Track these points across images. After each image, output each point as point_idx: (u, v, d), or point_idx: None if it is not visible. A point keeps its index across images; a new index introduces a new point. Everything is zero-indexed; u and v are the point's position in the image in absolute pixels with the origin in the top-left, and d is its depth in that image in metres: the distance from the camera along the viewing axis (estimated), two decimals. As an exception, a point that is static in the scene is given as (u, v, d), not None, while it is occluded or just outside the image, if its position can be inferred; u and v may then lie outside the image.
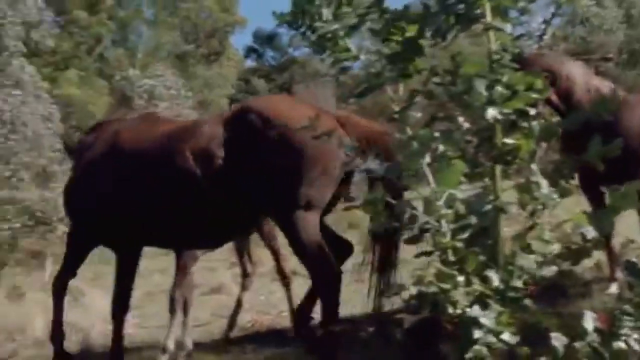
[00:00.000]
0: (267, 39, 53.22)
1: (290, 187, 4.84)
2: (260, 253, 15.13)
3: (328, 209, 5.20)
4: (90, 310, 8.62)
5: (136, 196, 5.34)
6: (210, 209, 5.06)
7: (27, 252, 18.96)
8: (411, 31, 2.79)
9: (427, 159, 2.77)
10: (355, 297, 7.78)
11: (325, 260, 4.80)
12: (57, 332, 6.00)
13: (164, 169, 5.16)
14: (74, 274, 6.15)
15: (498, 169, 2.79)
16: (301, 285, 11.63)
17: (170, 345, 6.55)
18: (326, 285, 4.89)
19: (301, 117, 4.17)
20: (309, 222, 4.85)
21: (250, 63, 54.28)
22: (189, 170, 5.02)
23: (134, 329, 8.45)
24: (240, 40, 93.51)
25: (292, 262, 14.06)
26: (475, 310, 2.62)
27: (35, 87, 22.26)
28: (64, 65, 33.05)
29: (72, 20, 33.76)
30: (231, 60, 46.58)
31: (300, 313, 5.49)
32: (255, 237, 7.75)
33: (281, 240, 6.24)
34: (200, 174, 4.98)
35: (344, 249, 5.44)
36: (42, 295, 10.72)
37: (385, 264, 5.32)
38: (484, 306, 2.64)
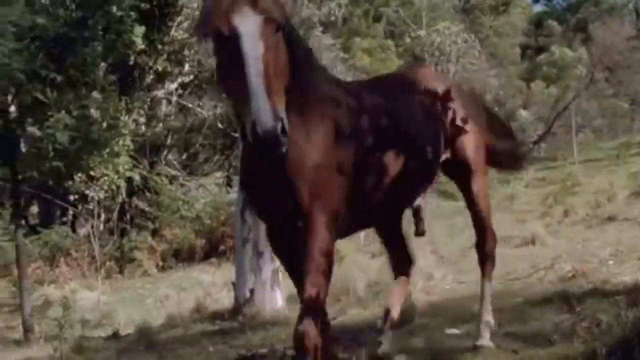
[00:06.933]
0: (555, -20, 50.95)
1: None
2: (572, 201, 14.70)
3: None
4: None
5: None
6: None
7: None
8: None
9: None
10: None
11: None
12: None
13: None
14: None
15: None
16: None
17: None
18: None
19: None
20: None
21: (538, 8, 52.43)
22: None
23: (452, 284, 8.61)
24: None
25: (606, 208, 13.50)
26: None
27: (333, 57, 23.24)
28: (355, 34, 34.18)
29: (358, -10, 34.85)
30: (518, 7, 45.21)
31: None
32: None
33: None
34: None
35: None
36: (360, 258, 11.29)
37: None
38: None
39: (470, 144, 5.24)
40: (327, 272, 4.05)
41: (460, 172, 5.36)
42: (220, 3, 3.64)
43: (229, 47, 3.60)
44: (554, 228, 12.54)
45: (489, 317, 5.37)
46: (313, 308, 3.97)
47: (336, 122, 4.27)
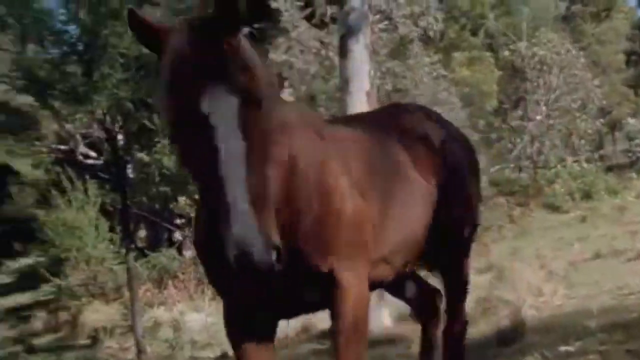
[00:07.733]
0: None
1: None
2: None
3: None
4: (517, 284, 8.69)
5: None
6: None
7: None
8: None
9: None
10: None
11: None
12: None
13: None
14: None
15: None
16: None
17: None
18: None
19: None
20: None
21: (643, 11, 50.73)
22: None
23: (562, 300, 8.36)
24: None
25: None
26: None
27: (435, 76, 23.07)
28: (453, 49, 33.90)
29: (454, 5, 34.55)
30: (621, 12, 43.89)
31: None
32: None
33: None
34: None
35: None
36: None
37: None
38: None
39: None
40: (364, 334, 3.32)
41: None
42: (179, 75, 2.55)
43: (195, 138, 2.53)
44: (669, 240, 12.04)
45: None
46: None
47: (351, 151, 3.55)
